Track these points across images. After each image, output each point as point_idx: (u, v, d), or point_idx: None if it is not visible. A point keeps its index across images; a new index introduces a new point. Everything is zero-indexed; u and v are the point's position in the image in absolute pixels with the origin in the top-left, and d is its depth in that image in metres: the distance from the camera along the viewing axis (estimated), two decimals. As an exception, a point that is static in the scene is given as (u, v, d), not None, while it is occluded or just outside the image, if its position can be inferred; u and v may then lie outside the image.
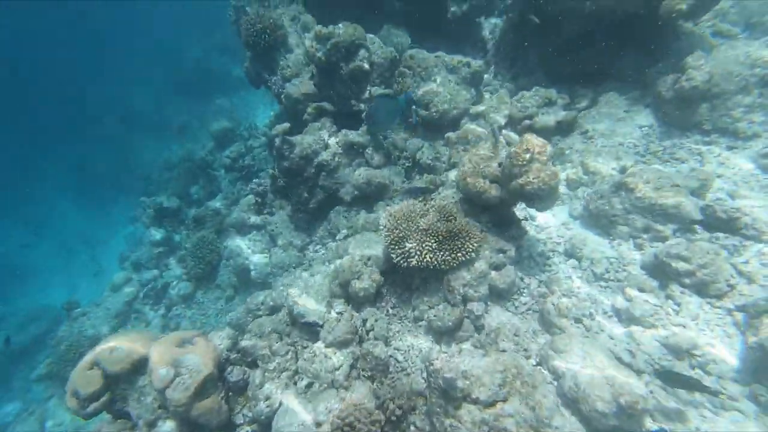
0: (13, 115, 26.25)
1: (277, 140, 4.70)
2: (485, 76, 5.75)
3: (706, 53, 3.61)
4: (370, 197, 5.16)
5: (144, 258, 6.94)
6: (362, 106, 5.47)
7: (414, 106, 4.86)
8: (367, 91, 5.66)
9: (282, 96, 5.36)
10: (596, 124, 4.33)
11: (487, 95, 5.43)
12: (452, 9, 6.18)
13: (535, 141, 3.40)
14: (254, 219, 5.60)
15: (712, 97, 3.50)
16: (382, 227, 3.85)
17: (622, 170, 3.86)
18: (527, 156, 3.25)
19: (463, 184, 3.69)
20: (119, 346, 2.67)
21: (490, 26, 7.18)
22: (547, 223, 4.12)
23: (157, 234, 7.02)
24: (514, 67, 5.36)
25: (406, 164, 5.37)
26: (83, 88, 24.91)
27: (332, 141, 5.22)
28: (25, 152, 23.60)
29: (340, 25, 5.56)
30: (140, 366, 2.87)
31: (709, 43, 3.81)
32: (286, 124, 4.77)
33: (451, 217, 3.76)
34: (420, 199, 4.78)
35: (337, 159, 5.21)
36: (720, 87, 3.45)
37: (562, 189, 4.26)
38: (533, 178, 3.22)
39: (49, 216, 20.26)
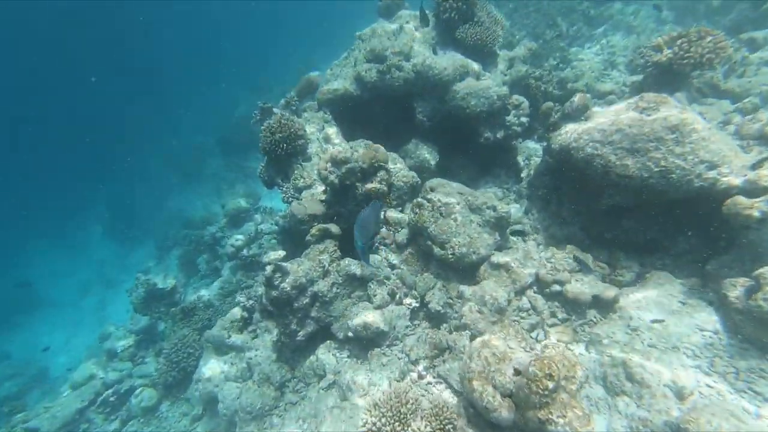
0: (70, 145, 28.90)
1: (268, 269, 4.19)
2: (514, 210, 5.16)
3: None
4: (365, 342, 4.45)
5: (120, 346, 6.38)
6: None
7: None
8: (383, 213, 5.21)
9: (287, 211, 4.96)
10: (643, 311, 3.53)
11: (513, 239, 4.80)
12: (486, 134, 5.83)
13: (560, 361, 2.66)
14: (234, 339, 4.97)
15: (806, 331, 2.71)
16: (362, 423, 3.09)
17: (679, 393, 2.99)
18: (549, 384, 2.49)
19: (469, 387, 2.92)
20: None
21: (528, 151, 6.73)
22: (575, 439, 3.21)
23: (138, 323, 6.50)
24: (547, 210, 4.76)
25: (413, 304, 4.68)
26: (134, 129, 27.09)
27: (332, 268, 4.67)
28: (74, 179, 25.53)
29: (360, 143, 5.27)
30: None
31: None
32: (281, 252, 4.30)
33: (449, 426, 2.98)
34: (418, 377, 3.97)
35: (335, 290, 4.61)
36: (818, 323, 2.67)
37: (599, 390, 3.39)
38: (557, 417, 2.43)
39: (81, 245, 20.94)
